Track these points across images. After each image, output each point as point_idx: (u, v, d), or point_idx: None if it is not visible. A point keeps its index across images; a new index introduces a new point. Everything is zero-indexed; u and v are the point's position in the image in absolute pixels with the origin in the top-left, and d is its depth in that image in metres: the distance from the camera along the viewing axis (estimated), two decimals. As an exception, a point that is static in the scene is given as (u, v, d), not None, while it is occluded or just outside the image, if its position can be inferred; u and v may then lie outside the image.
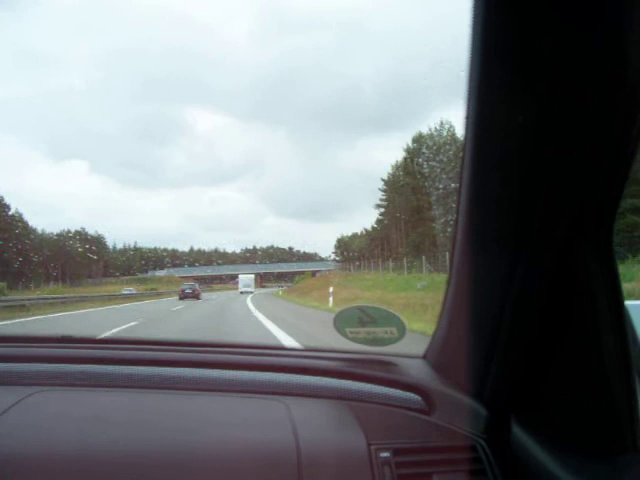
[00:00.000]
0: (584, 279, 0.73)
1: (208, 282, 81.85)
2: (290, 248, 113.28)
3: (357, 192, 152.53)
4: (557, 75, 0.61)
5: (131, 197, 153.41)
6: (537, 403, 0.83)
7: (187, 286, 32.25)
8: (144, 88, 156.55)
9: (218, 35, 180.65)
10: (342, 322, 1.08)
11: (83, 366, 1.03)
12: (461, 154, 0.76)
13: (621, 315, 0.74)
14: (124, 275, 78.60)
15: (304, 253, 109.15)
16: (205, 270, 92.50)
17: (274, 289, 57.68)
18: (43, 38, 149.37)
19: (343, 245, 72.81)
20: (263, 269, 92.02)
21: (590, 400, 0.76)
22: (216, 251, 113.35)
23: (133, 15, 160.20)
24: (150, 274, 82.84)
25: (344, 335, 1.08)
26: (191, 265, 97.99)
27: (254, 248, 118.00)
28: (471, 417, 0.89)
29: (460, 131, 0.75)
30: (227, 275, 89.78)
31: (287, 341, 7.54)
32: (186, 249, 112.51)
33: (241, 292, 46.34)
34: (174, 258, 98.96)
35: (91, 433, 0.82)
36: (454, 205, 0.84)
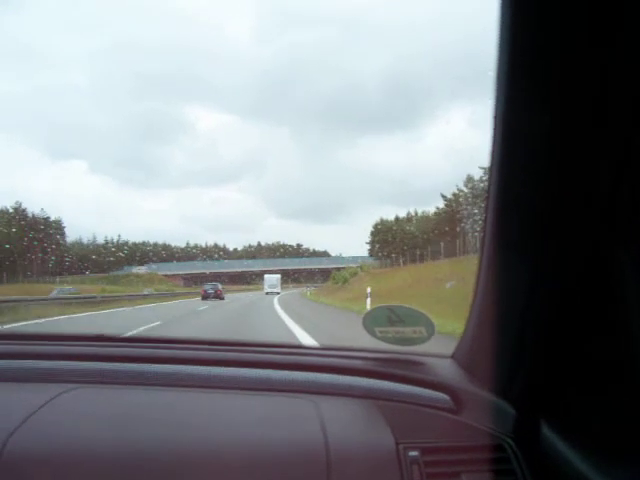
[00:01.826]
0: (614, 281, 0.73)
1: (206, 282, 68.65)
2: (299, 245, 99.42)
3: (359, 192, 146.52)
4: (586, 74, 0.61)
5: (130, 197, 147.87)
6: (566, 404, 0.82)
7: (210, 286, 32.81)
8: (144, 85, 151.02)
9: (219, 31, 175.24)
10: (371, 321, 1.09)
11: (115, 364, 1.06)
12: (489, 154, 0.76)
13: None
14: (101, 272, 60.64)
15: (314, 251, 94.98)
16: (201, 266, 72.23)
17: (299, 290, 52.90)
18: (40, 33, 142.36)
19: (382, 233, 61.75)
20: (272, 265, 72.09)
21: (621, 401, 0.75)
22: (216, 246, 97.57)
23: (133, 11, 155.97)
24: (126, 271, 62.27)
25: (373, 334, 1.09)
26: (181, 260, 78.18)
27: (259, 244, 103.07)
28: (499, 417, 0.89)
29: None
30: (234, 273, 71.23)
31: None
32: (181, 244, 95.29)
33: (266, 293, 45.44)
34: (164, 254, 79.69)
35: (123, 431, 0.84)
36: (482, 205, 0.85)
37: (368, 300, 15.40)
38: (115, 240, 79.74)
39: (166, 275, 61.42)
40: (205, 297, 30.12)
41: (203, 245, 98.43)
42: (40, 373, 1.02)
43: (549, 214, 0.73)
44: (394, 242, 56.67)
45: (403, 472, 0.80)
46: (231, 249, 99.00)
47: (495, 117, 0.71)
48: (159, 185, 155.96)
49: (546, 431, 0.82)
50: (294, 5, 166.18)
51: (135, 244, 79.69)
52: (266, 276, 53.32)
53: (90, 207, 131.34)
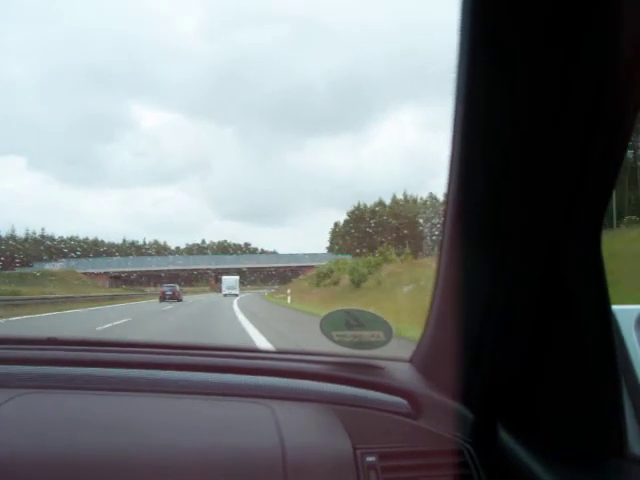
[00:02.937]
0: (571, 283, 0.73)
1: (136, 283, 54.88)
2: (247, 244, 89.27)
3: (306, 195, 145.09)
4: (544, 70, 0.61)
5: (73, 196, 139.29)
6: (524, 408, 0.83)
7: (167, 287, 32.24)
8: (87, 79, 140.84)
9: (166, 25, 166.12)
10: (328, 325, 1.07)
11: (69, 369, 1.02)
12: (448, 155, 0.76)
13: (608, 319, 0.74)
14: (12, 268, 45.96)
15: (263, 250, 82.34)
16: (133, 263, 59.38)
17: (258, 293, 48.91)
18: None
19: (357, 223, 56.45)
20: (216, 262, 61.28)
21: (577, 405, 0.76)
22: (156, 243, 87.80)
23: (76, 1, 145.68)
24: (36, 268, 49.15)
25: (330, 338, 1.07)
26: (112, 255, 65.15)
27: (203, 242, 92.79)
28: (458, 421, 0.89)
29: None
30: (175, 272, 55.99)
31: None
32: (117, 241, 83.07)
33: (224, 295, 44.38)
34: (93, 250, 66.73)
35: (76, 436, 0.81)
36: (442, 208, 0.84)
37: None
38: (37, 233, 68.28)
39: (87, 273, 49.94)
40: (163, 299, 29.73)
41: (140, 242, 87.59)
42: None
43: (508, 216, 0.73)
44: (376, 233, 48.60)
45: (360, 477, 0.79)
46: (173, 247, 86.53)
47: (454, 119, 0.70)
48: (101, 184, 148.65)
49: (504, 435, 0.82)
50: (245, 1, 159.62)
51: (62, 239, 68.61)
52: (224, 277, 51.95)
53: (28, 205, 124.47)
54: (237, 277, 51.59)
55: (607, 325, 0.74)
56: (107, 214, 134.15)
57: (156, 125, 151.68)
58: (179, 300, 29.33)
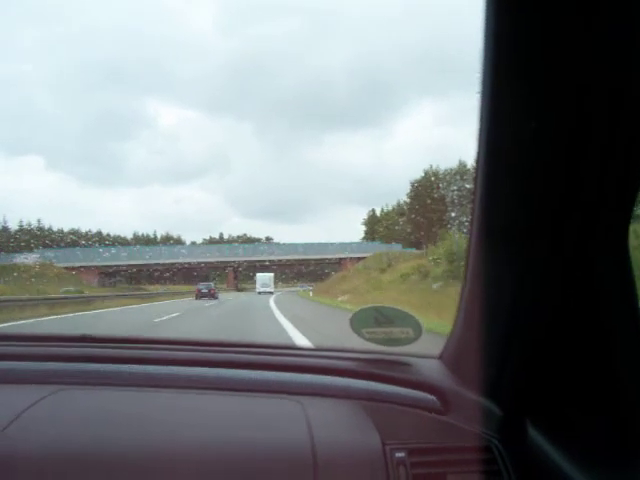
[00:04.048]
0: (598, 281, 0.73)
1: (146, 279, 47.21)
2: (268, 238, 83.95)
3: (325, 192, 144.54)
4: (571, 76, 0.61)
5: (89, 195, 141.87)
6: (553, 404, 0.83)
7: (203, 286, 33.02)
8: (103, 76, 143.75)
9: (181, 20, 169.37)
10: (358, 322, 1.09)
11: (102, 365, 1.06)
12: (475, 157, 0.76)
13: (636, 317, 0.74)
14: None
15: (285, 245, 70.99)
16: (130, 255, 47.19)
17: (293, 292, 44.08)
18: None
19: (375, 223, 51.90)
20: (251, 252, 53.11)
21: (607, 403, 0.76)
22: (167, 237, 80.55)
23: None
24: (10, 258, 40.22)
25: (360, 335, 1.09)
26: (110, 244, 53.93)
27: (221, 237, 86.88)
28: (486, 418, 0.89)
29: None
30: (189, 267, 48.35)
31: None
32: (127, 235, 75.79)
33: (259, 292, 43.73)
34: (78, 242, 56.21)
35: (108, 432, 0.84)
36: (470, 206, 0.85)
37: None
38: (32, 224, 61.82)
39: (70, 268, 40.65)
40: (200, 296, 30.64)
41: (150, 234, 79.97)
42: (24, 375, 1.02)
43: (534, 217, 0.73)
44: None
45: (389, 473, 0.80)
46: (188, 242, 79.38)
47: (480, 119, 0.71)
48: (118, 182, 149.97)
49: (532, 432, 0.82)
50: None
51: (62, 231, 61.13)
52: (258, 275, 49.91)
53: (50, 205, 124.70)
54: (271, 274, 48.80)
55: (635, 322, 0.74)
56: (124, 213, 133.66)
57: (174, 123, 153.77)
58: (215, 298, 29.88)
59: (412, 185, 44.22)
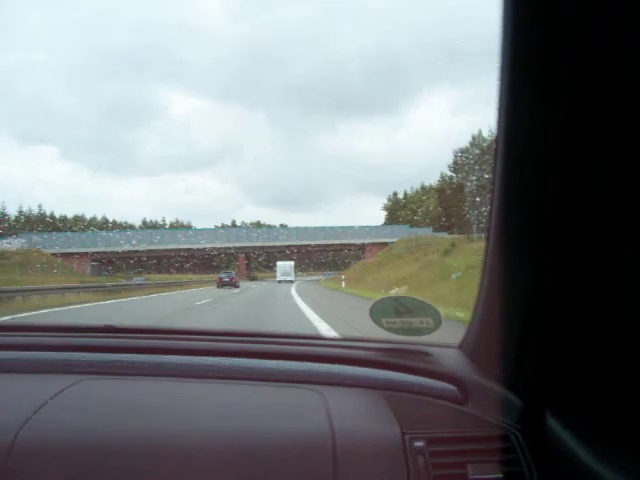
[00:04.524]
0: (616, 272, 0.73)
1: (137, 267, 42.37)
2: (283, 225, 77.67)
3: (339, 181, 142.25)
4: (588, 69, 0.60)
5: (102, 185, 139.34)
6: (572, 395, 0.83)
7: (225, 275, 33.91)
8: (115, 64, 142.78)
9: (193, 7, 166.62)
10: (378, 312, 1.09)
11: (124, 355, 1.08)
12: (494, 148, 0.76)
13: None
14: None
15: (302, 228, 61.48)
16: (132, 239, 41.96)
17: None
18: (1, 7, 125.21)
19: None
20: (250, 240, 48.57)
21: (626, 393, 0.76)
22: (177, 223, 75.09)
23: None
24: None
25: (380, 325, 1.10)
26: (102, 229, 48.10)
27: (233, 223, 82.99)
28: (505, 407, 0.90)
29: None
30: (197, 253, 43.78)
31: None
32: (135, 222, 70.74)
33: (279, 281, 43.96)
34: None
35: (132, 421, 0.86)
36: (489, 196, 0.85)
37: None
38: (35, 212, 57.91)
39: (58, 254, 36.37)
40: (222, 285, 31.42)
41: (160, 222, 75.46)
42: (50, 365, 1.04)
43: (551, 207, 0.73)
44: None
45: (409, 462, 0.81)
46: (198, 228, 70.50)
47: (499, 113, 0.70)
48: (131, 171, 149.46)
49: (551, 422, 0.83)
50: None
51: (65, 217, 56.80)
52: (279, 263, 49.00)
53: (64, 195, 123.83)
54: (292, 262, 48.47)
55: None
56: (135, 201, 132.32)
57: (186, 111, 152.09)
58: (237, 286, 30.47)
59: (455, 155, 39.06)
